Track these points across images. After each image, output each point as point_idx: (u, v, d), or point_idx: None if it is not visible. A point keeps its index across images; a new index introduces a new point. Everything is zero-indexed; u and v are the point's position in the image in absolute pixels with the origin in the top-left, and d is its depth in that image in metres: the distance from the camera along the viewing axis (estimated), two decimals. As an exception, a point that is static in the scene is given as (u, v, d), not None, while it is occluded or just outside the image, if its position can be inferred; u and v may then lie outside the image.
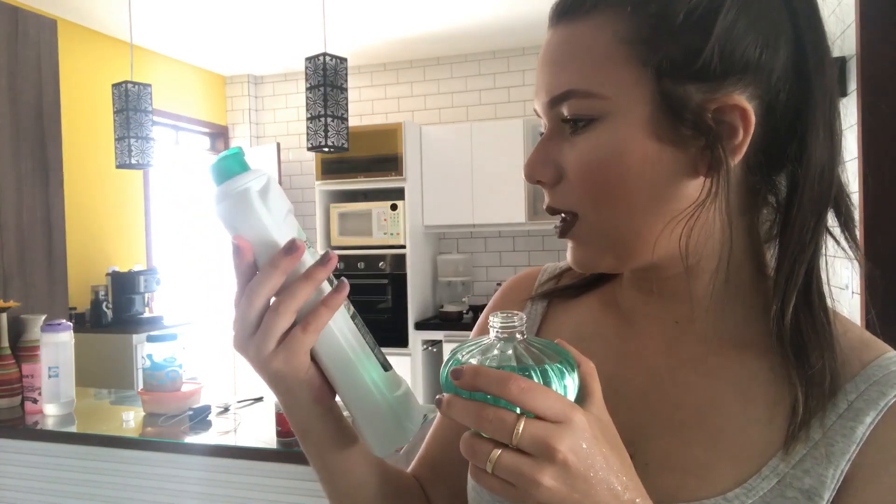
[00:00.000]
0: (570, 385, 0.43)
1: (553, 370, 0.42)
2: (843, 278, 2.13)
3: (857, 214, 1.95)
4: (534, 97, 0.55)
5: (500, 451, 0.40)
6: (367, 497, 0.64)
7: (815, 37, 0.49)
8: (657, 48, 0.47)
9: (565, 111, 0.50)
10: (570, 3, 0.50)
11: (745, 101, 0.47)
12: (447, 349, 4.44)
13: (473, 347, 0.45)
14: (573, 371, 0.43)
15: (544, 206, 0.54)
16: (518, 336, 0.44)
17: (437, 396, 0.44)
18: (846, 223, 0.55)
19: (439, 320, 4.61)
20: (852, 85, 2.00)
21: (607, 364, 0.46)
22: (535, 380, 0.41)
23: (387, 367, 0.56)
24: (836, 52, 2.16)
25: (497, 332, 0.44)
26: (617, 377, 0.49)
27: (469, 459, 0.42)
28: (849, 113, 2.04)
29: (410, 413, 0.55)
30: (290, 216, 0.54)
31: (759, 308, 0.53)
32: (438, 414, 0.67)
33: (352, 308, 0.56)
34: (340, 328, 0.54)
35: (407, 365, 4.46)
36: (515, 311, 0.45)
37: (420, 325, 4.52)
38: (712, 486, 0.49)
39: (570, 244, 0.54)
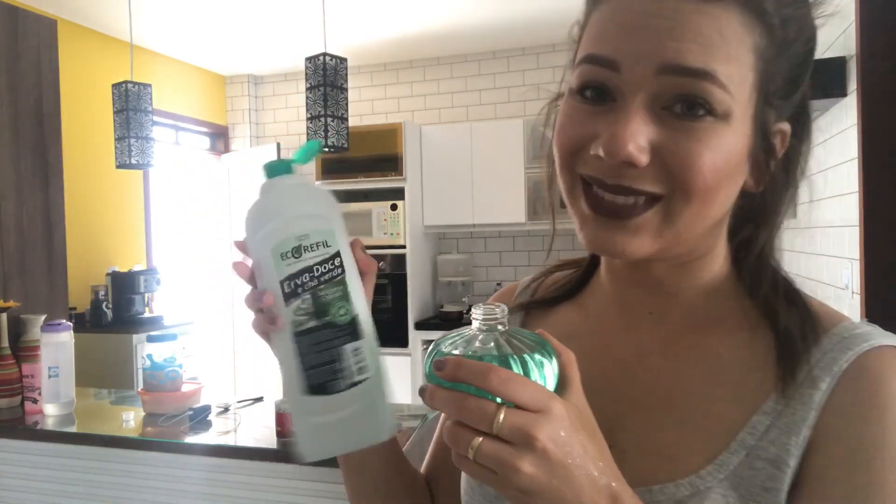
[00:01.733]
0: (549, 374, 0.44)
1: (532, 360, 0.43)
2: (843, 278, 2.13)
3: (857, 214, 1.96)
4: (620, 55, 0.48)
5: (481, 438, 0.41)
6: (381, 492, 0.68)
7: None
8: (775, 72, 0.50)
9: (694, 91, 0.47)
10: (744, 9, 0.48)
11: (785, 126, 0.53)
12: (447, 349, 4.43)
13: (456, 338, 0.46)
14: (552, 360, 0.44)
15: (607, 181, 0.50)
16: (499, 327, 0.45)
17: (421, 386, 0.45)
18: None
19: (439, 320, 4.61)
20: (852, 85, 2.00)
21: (582, 361, 0.47)
22: (515, 369, 0.42)
23: (320, 390, 0.55)
24: (836, 52, 2.16)
25: (479, 323, 0.45)
26: (591, 372, 0.50)
27: (451, 447, 0.43)
28: (849, 113, 2.04)
29: (321, 439, 0.57)
30: (319, 209, 0.56)
31: (727, 291, 0.57)
32: (442, 417, 0.69)
33: (309, 323, 0.55)
34: (281, 345, 0.56)
35: (407, 365, 4.46)
36: (497, 304, 0.46)
37: (420, 325, 4.52)
38: (686, 466, 0.51)
39: (622, 226, 0.50)
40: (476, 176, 4.58)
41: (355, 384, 0.55)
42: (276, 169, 0.57)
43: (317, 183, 4.73)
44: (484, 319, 0.45)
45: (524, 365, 0.43)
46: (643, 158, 0.48)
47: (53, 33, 2.62)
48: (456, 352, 0.44)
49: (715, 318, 0.57)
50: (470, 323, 0.47)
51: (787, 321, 0.53)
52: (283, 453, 1.79)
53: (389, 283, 4.57)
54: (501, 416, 0.40)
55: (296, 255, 0.54)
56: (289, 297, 0.55)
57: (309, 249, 0.55)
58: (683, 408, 0.54)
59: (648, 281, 0.58)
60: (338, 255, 0.55)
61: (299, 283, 0.54)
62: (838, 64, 2.07)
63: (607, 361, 0.59)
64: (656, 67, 0.47)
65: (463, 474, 0.62)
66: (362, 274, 0.58)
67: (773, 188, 0.54)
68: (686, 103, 0.47)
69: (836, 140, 2.20)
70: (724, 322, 0.56)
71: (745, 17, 0.48)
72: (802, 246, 2.80)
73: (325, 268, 0.55)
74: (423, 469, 0.75)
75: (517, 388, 0.41)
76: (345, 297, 0.55)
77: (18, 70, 2.47)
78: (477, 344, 0.45)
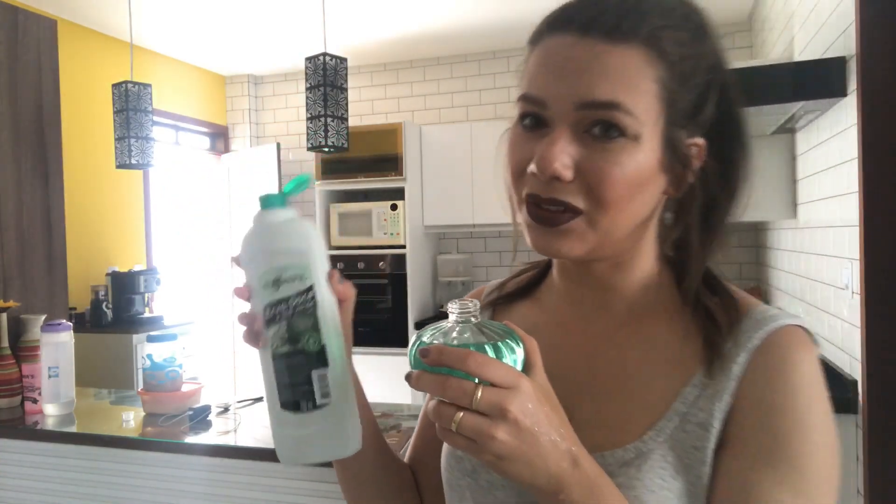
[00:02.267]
0: (517, 358, 0.52)
1: (504, 346, 0.51)
2: (843, 278, 2.13)
3: (857, 214, 1.96)
4: (546, 95, 0.59)
5: (462, 413, 0.49)
6: (372, 489, 0.79)
7: (733, 95, 0.64)
8: (678, 98, 0.59)
9: (606, 118, 0.57)
10: (607, 22, 0.57)
11: (699, 140, 0.62)
12: (447, 349, 4.43)
13: (435, 331, 0.54)
14: (519, 346, 0.53)
15: (542, 196, 0.59)
16: (472, 319, 0.53)
17: (407, 373, 0.53)
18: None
19: (439, 320, 4.60)
20: (852, 85, 2.00)
21: (542, 350, 0.55)
22: (490, 354, 0.50)
23: (291, 406, 0.61)
24: (836, 52, 2.16)
25: (455, 316, 0.53)
26: (550, 359, 0.57)
27: (436, 422, 0.50)
28: (849, 113, 2.04)
29: (294, 448, 0.63)
30: (304, 247, 0.63)
31: (661, 284, 0.68)
32: (422, 413, 0.82)
33: (283, 348, 0.61)
34: (263, 361, 0.63)
35: (407, 365, 4.45)
36: (470, 299, 0.53)
37: (420, 325, 4.52)
38: (631, 433, 0.61)
39: (554, 231, 0.60)
40: (476, 176, 4.58)
41: (318, 407, 0.60)
42: (270, 202, 0.64)
43: (316, 183, 4.73)
44: (460, 312, 0.53)
45: (497, 350, 0.51)
46: (567, 174, 0.57)
47: (53, 33, 2.62)
48: (437, 342, 0.52)
49: (651, 308, 0.67)
50: (447, 316, 0.53)
51: (711, 307, 0.63)
52: (283, 453, 1.79)
53: (389, 283, 4.57)
54: (479, 394, 0.48)
55: (275, 286, 0.61)
56: (269, 322, 0.61)
57: (286, 282, 0.61)
58: (627, 385, 0.64)
59: (592, 278, 0.68)
60: (311, 288, 0.61)
61: (277, 311, 0.61)
62: (838, 64, 2.07)
63: (564, 350, 0.68)
64: (574, 104, 0.57)
65: (443, 454, 0.71)
66: (340, 302, 0.63)
67: (691, 193, 0.63)
68: (602, 126, 0.57)
69: (836, 140, 2.20)
70: (659, 310, 0.66)
71: (647, 55, 0.57)
72: (802, 246, 2.80)
73: (299, 300, 0.60)
74: (406, 458, 0.83)
75: (492, 369, 0.49)
76: (315, 327, 0.60)
77: (18, 70, 2.47)
78: (454, 335, 0.52)
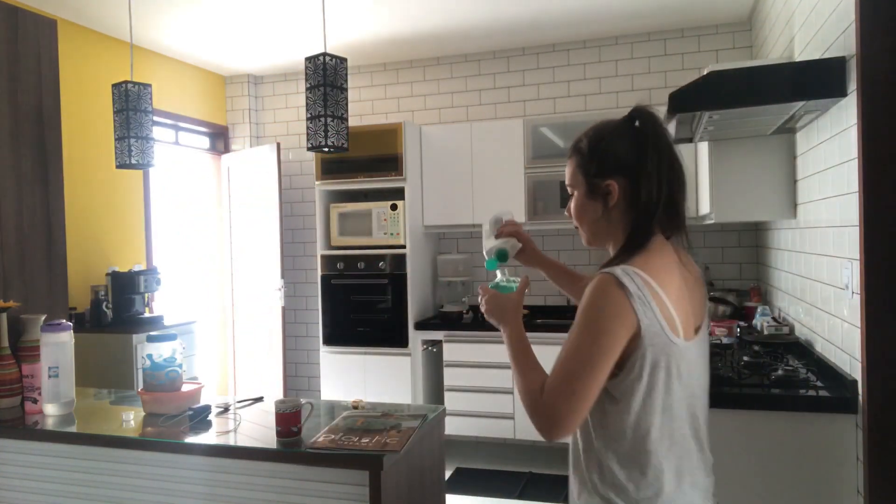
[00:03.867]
0: (515, 286, 1.44)
1: (512, 282, 1.47)
2: (843, 278, 2.13)
3: (857, 215, 1.96)
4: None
5: (482, 298, 1.43)
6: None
7: (654, 144, 1.26)
8: (587, 169, 1.31)
9: (569, 189, 1.37)
10: (569, 149, 1.37)
11: (613, 181, 1.27)
12: (447, 349, 4.43)
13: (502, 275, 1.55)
14: (517, 283, 1.45)
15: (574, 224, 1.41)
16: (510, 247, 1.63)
17: (480, 286, 1.47)
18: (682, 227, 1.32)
19: (439, 320, 4.61)
20: (852, 85, 2.00)
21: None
22: (504, 282, 1.50)
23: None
24: (836, 52, 2.16)
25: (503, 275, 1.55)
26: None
27: (480, 296, 1.44)
28: (849, 113, 2.04)
29: None
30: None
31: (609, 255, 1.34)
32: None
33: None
34: None
35: (407, 365, 4.46)
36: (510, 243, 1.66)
37: (420, 325, 4.52)
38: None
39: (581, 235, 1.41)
40: (476, 176, 4.58)
41: None
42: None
43: (316, 183, 4.73)
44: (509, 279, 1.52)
45: (506, 287, 1.46)
46: (573, 220, 1.38)
47: (53, 33, 2.62)
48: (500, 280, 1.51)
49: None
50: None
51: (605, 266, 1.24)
52: (283, 453, 1.79)
53: (389, 283, 4.57)
54: (486, 296, 1.42)
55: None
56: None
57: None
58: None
59: (601, 251, 1.38)
60: None
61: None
62: (838, 64, 2.07)
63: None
64: (567, 185, 1.39)
65: None
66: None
67: (615, 209, 1.29)
68: (569, 190, 1.37)
69: (836, 140, 2.20)
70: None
71: (574, 157, 1.35)
72: (802, 246, 2.80)
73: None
74: None
75: (487, 291, 1.44)
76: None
77: (18, 70, 2.47)
78: (503, 276, 1.53)
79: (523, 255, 1.66)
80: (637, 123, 1.27)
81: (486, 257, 1.60)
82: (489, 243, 1.63)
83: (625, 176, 1.25)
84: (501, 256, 1.58)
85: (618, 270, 1.15)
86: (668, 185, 1.23)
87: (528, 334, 1.36)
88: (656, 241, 1.23)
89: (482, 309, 1.40)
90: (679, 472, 1.18)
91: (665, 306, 1.16)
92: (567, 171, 1.35)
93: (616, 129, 1.29)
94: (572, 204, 1.33)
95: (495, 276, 1.54)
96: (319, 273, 4.76)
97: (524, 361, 1.26)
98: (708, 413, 1.27)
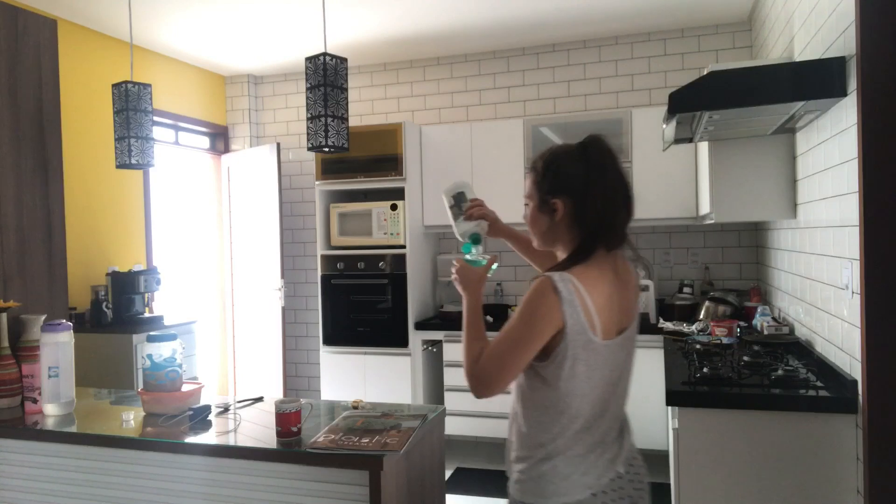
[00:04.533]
0: (485, 262, 1.66)
1: (483, 259, 1.68)
2: (843, 278, 2.13)
3: (857, 215, 1.96)
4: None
5: (454, 268, 1.66)
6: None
7: (598, 171, 1.47)
8: (541, 184, 1.53)
9: (525, 200, 1.60)
10: (528, 167, 1.60)
11: (560, 200, 1.49)
12: (447, 349, 4.44)
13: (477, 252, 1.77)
14: (486, 260, 1.66)
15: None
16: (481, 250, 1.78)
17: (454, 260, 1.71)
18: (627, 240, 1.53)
19: (439, 320, 4.61)
20: (852, 85, 2.00)
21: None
22: (475, 259, 1.71)
23: None
24: (836, 52, 2.16)
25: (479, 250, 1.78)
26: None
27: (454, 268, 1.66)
28: (849, 113, 2.04)
29: None
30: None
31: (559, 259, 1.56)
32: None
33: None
34: None
35: (407, 365, 4.46)
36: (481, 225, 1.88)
37: (420, 325, 4.52)
38: None
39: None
40: (476, 176, 4.58)
41: None
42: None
43: (316, 183, 4.73)
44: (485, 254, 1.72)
45: (477, 261, 1.68)
46: (525, 220, 1.61)
47: (53, 33, 2.62)
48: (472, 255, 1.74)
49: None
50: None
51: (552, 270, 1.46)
52: (283, 453, 1.79)
53: (389, 283, 4.57)
54: (458, 266, 1.65)
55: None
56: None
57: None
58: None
59: (535, 259, 1.98)
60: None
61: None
62: (838, 64, 2.08)
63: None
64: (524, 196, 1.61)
65: None
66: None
67: (561, 223, 1.50)
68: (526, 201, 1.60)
69: (836, 140, 2.20)
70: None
71: (531, 174, 1.56)
72: (802, 246, 2.80)
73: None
74: None
75: (461, 262, 1.66)
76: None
77: (18, 70, 2.47)
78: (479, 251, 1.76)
79: (491, 230, 1.88)
80: (588, 151, 1.48)
81: (461, 240, 1.82)
82: (461, 227, 1.84)
83: (571, 197, 1.47)
84: (475, 240, 1.78)
85: (556, 276, 1.39)
86: (612, 208, 1.45)
87: None
88: (597, 254, 1.45)
89: (452, 277, 1.65)
90: (585, 443, 1.46)
91: (589, 310, 1.40)
92: (525, 185, 1.58)
93: (569, 154, 1.50)
94: (528, 213, 1.57)
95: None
96: (319, 273, 4.76)
97: (475, 330, 1.53)
98: (626, 399, 1.56)
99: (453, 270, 1.64)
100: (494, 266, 1.65)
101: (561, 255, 1.54)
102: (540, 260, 1.87)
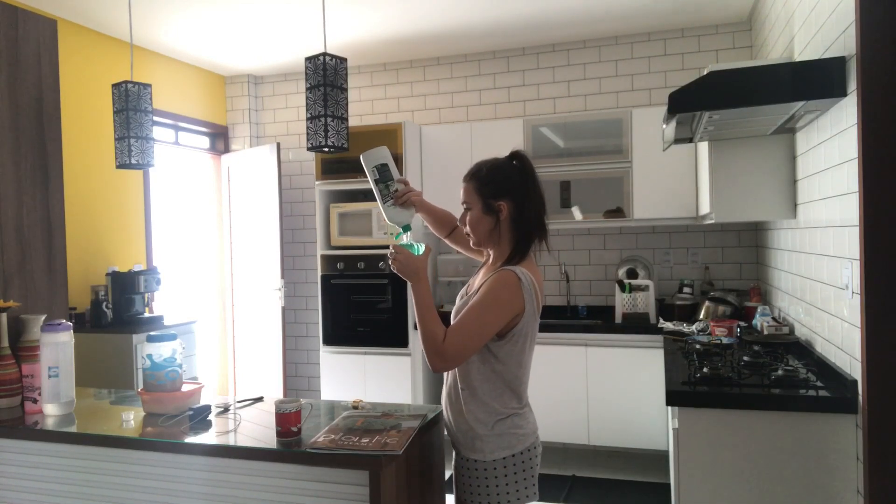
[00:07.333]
0: (422, 249, 1.80)
1: (418, 246, 1.80)
2: (843, 278, 2.13)
3: (857, 214, 1.96)
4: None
5: (391, 255, 1.78)
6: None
7: (531, 178, 1.82)
8: (483, 191, 1.82)
9: (462, 206, 1.87)
10: (466, 176, 1.87)
11: (503, 202, 1.81)
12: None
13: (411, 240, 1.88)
14: (423, 248, 1.80)
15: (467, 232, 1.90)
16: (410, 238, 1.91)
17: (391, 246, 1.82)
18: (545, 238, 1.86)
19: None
20: (852, 85, 2.00)
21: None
22: (408, 244, 1.82)
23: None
24: (836, 52, 2.16)
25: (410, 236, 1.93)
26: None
27: (391, 254, 1.78)
28: (849, 113, 2.04)
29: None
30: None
31: (504, 256, 1.84)
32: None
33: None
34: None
35: (407, 365, 4.46)
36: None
37: (420, 325, 4.51)
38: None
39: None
40: (476, 176, 4.58)
41: None
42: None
43: (316, 183, 4.73)
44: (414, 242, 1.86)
45: (414, 247, 1.80)
46: (466, 228, 1.88)
47: (53, 33, 2.62)
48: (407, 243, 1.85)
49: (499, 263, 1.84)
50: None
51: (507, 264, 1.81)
52: (282, 453, 1.79)
53: (389, 283, 4.57)
54: (399, 254, 1.77)
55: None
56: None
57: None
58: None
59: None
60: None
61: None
62: (838, 64, 2.08)
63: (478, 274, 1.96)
64: (462, 202, 1.88)
65: None
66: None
67: (504, 223, 1.82)
68: (465, 207, 1.87)
69: (836, 140, 2.20)
70: (498, 264, 1.84)
71: (472, 181, 1.85)
72: (802, 246, 2.80)
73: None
74: None
75: (400, 248, 1.78)
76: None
77: (18, 70, 2.47)
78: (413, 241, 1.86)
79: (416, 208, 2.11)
80: (515, 162, 1.83)
81: (389, 224, 1.96)
82: (390, 212, 1.95)
83: (512, 199, 1.79)
84: (407, 228, 1.93)
85: (517, 269, 1.73)
86: (544, 209, 1.82)
87: None
88: (530, 250, 1.81)
89: (392, 264, 1.77)
90: (524, 400, 1.84)
91: (538, 295, 1.76)
92: (463, 192, 1.84)
93: (506, 164, 1.83)
94: (468, 217, 1.83)
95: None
96: (319, 273, 4.76)
97: (430, 315, 1.73)
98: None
99: (391, 258, 1.77)
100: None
101: (492, 251, 1.86)
102: (453, 239, 2.14)
